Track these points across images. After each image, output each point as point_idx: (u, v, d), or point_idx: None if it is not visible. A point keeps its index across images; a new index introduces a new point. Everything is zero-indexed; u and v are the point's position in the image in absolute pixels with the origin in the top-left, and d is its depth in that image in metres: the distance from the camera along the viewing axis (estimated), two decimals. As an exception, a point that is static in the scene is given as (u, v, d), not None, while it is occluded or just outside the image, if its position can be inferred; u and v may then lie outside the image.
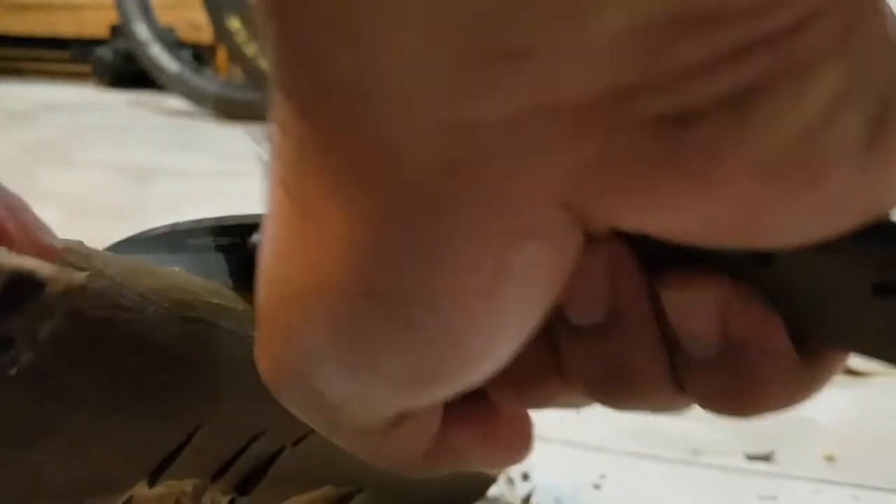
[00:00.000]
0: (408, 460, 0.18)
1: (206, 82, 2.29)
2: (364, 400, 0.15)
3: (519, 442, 0.19)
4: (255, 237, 0.25)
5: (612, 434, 0.56)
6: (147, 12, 2.38)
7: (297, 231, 0.14)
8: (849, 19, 0.12)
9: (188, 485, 0.24)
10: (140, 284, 0.22)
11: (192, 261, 0.27)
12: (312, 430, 0.24)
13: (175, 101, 2.33)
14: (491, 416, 0.18)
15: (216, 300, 0.24)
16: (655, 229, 0.14)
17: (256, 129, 2.04)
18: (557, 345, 0.17)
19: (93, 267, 0.22)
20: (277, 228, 0.14)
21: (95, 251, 0.23)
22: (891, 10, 0.14)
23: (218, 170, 1.51)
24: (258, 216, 0.27)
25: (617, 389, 0.17)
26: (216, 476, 0.25)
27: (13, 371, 0.20)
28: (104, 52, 2.80)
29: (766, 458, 0.61)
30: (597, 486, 0.56)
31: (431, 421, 0.17)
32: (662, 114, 0.12)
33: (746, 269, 0.16)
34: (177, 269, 0.25)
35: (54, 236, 0.22)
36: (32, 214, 0.22)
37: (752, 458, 0.60)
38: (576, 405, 0.19)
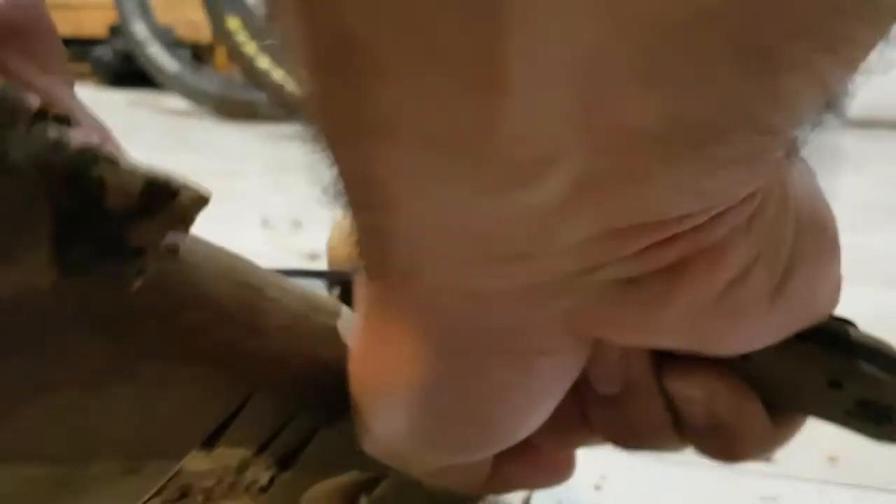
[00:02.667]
0: (467, 488, 0.23)
1: (205, 82, 2.29)
2: (432, 460, 0.21)
3: (561, 468, 0.24)
4: (334, 291, 0.30)
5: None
6: (146, 11, 2.38)
7: (372, 350, 0.19)
8: (752, 208, 0.17)
9: (235, 458, 0.25)
10: (198, 247, 0.23)
11: None
12: (344, 415, 0.24)
13: (174, 101, 2.32)
14: (536, 453, 0.24)
15: (263, 272, 0.25)
16: (632, 344, 0.19)
17: (257, 129, 2.04)
18: (586, 406, 0.22)
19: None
20: (362, 347, 0.20)
21: None
22: (798, 165, 0.18)
23: (217, 169, 1.50)
24: (328, 272, 0.31)
25: (632, 441, 0.23)
26: (261, 449, 0.25)
27: (138, 283, 0.20)
28: (103, 52, 2.80)
29: (767, 458, 0.61)
30: (597, 487, 0.56)
31: (484, 464, 0.23)
32: (616, 279, 0.17)
33: (731, 363, 0.21)
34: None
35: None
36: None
37: (753, 458, 0.60)
38: (600, 445, 0.24)
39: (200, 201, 0.21)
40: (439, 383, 0.19)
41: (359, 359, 0.20)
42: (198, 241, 0.23)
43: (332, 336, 0.25)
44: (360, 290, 0.20)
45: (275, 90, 2.01)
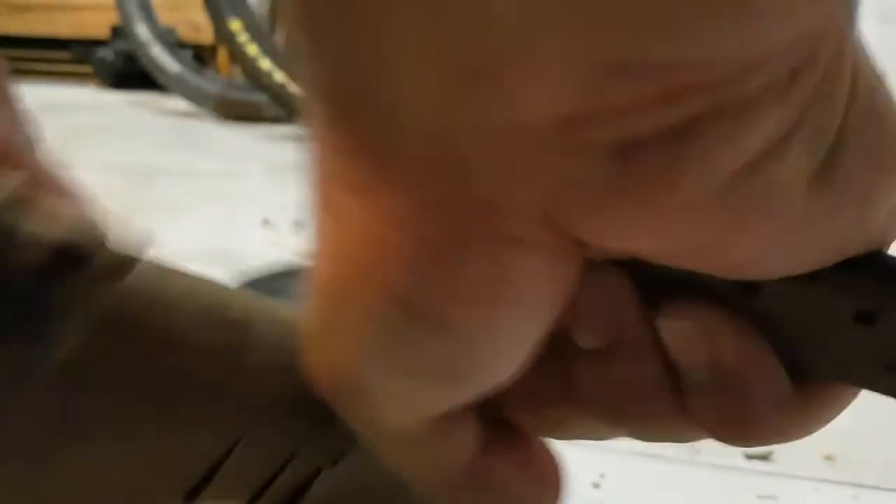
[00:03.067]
0: (448, 476, 0.19)
1: (207, 83, 2.29)
2: (400, 396, 0.17)
3: (551, 476, 0.20)
4: None
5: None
6: (148, 13, 2.38)
7: (329, 232, 0.16)
8: (795, 63, 0.13)
9: None
10: (174, 284, 0.21)
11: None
12: (348, 451, 0.23)
13: (176, 102, 2.33)
14: (524, 446, 0.20)
15: (251, 301, 0.23)
16: (630, 248, 0.15)
17: (258, 129, 2.04)
18: (568, 372, 0.18)
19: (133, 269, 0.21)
20: (316, 229, 0.16)
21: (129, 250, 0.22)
22: (859, 43, 0.14)
23: (219, 170, 1.51)
24: None
25: (623, 413, 0.18)
26: (255, 498, 0.23)
27: (66, 346, 0.18)
28: (105, 53, 2.81)
29: (765, 457, 0.61)
30: (596, 485, 0.56)
31: (467, 436, 0.19)
32: (611, 141, 0.13)
33: (736, 300, 0.17)
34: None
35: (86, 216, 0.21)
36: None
37: (751, 457, 0.61)
38: (587, 435, 0.20)
39: (123, 265, 0.19)
40: (410, 272, 0.15)
41: (316, 249, 0.16)
42: (176, 275, 0.21)
43: None
44: (316, 172, 0.16)
45: (276, 91, 2.01)
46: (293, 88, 2.02)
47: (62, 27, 2.98)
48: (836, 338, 0.16)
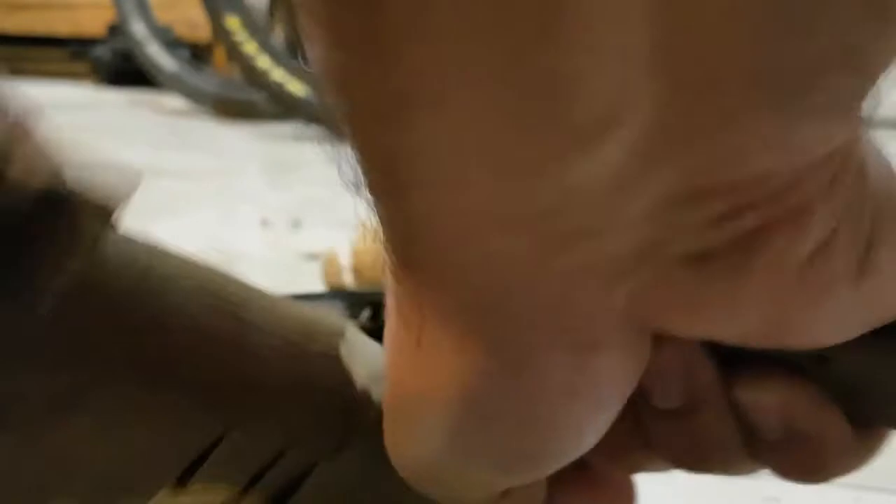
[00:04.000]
0: None
1: (205, 81, 2.29)
2: (479, 482, 0.19)
3: (624, 495, 0.22)
4: (364, 314, 0.27)
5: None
6: (145, 11, 2.38)
7: (410, 356, 0.17)
8: (834, 169, 0.15)
9: (216, 496, 0.22)
10: (168, 260, 0.21)
11: None
12: (346, 445, 0.22)
13: (173, 100, 2.32)
14: (596, 481, 0.21)
15: (247, 287, 0.23)
16: (706, 336, 0.17)
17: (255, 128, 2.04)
18: (645, 423, 0.20)
19: (119, 234, 0.20)
20: (396, 351, 0.18)
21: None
22: (872, 145, 0.17)
23: (216, 169, 1.50)
24: (364, 295, 0.28)
25: (697, 461, 0.20)
26: (248, 486, 0.23)
27: (47, 304, 0.18)
28: (102, 51, 2.80)
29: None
30: (598, 488, 0.56)
31: (538, 492, 0.20)
32: (688, 254, 0.15)
33: (806, 368, 0.19)
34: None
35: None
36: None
37: (753, 458, 0.60)
38: (660, 471, 0.22)
39: (111, 207, 0.18)
40: (487, 385, 0.16)
41: (395, 367, 0.18)
42: (170, 254, 0.21)
43: (330, 364, 0.23)
44: (391, 294, 0.17)
45: (274, 89, 2.01)
46: (291, 87, 2.02)
47: (59, 25, 2.97)
48: (891, 388, 0.19)
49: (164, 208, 1.15)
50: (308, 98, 1.96)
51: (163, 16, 2.50)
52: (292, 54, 2.24)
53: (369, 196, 0.15)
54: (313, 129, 2.21)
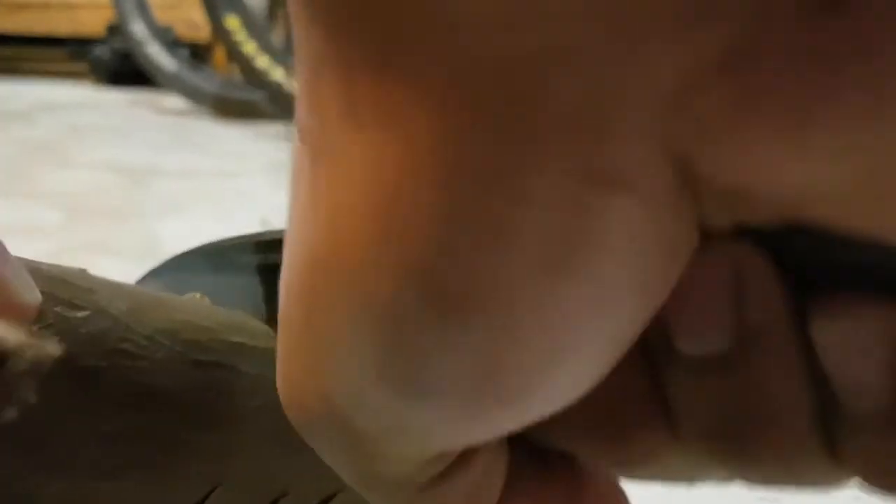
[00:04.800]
0: None
1: (204, 81, 2.28)
2: (408, 427, 0.11)
3: None
4: None
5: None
6: (144, 11, 2.38)
7: (321, 187, 0.11)
8: None
9: None
10: (149, 324, 0.20)
11: (228, 284, 0.24)
12: (339, 489, 0.21)
13: (173, 100, 2.32)
14: (571, 484, 0.14)
15: (237, 338, 0.21)
16: (773, 190, 0.10)
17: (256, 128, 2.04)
18: (663, 385, 0.12)
19: (94, 304, 0.19)
20: (298, 196, 0.11)
21: (100, 282, 0.20)
22: None
23: (216, 169, 1.50)
24: None
25: (746, 445, 0.12)
26: None
27: None
28: (101, 51, 2.80)
29: None
30: (598, 487, 0.55)
31: (488, 480, 0.13)
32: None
33: None
34: (198, 295, 0.23)
35: (31, 280, 0.19)
36: (7, 261, 0.19)
37: (754, 457, 0.60)
38: (689, 474, 0.14)
39: (48, 362, 0.18)
40: (440, 230, 0.10)
41: (295, 229, 0.11)
42: (149, 306, 0.20)
43: None
44: (312, 107, 0.11)
45: (274, 89, 2.01)
46: (291, 86, 2.02)
47: (59, 25, 2.97)
48: None
49: (164, 208, 1.15)
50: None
51: (162, 16, 2.50)
52: (291, 54, 2.24)
53: None
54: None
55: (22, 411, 0.18)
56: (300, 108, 0.11)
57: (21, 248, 0.20)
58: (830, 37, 0.09)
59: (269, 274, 0.25)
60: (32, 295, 0.19)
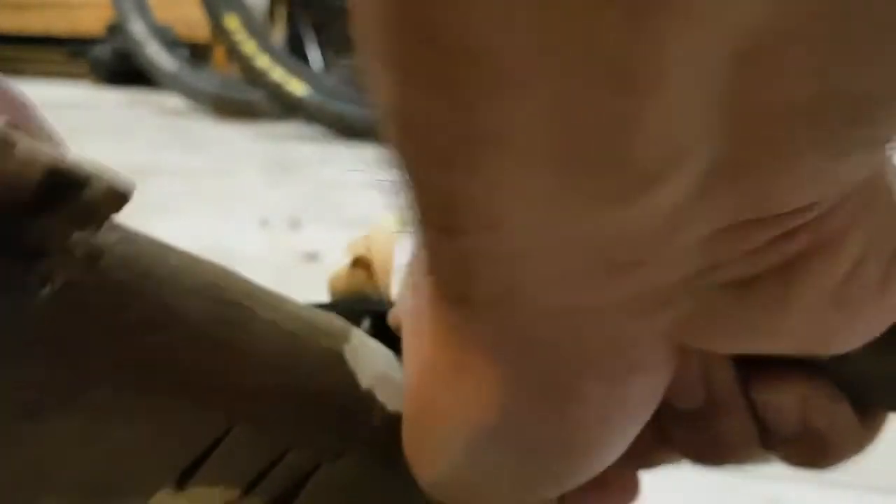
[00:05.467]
0: None
1: (204, 80, 2.28)
2: (498, 498, 0.19)
3: (629, 490, 0.22)
4: (365, 324, 0.27)
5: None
6: (143, 10, 2.38)
7: (442, 375, 0.18)
8: (868, 193, 0.16)
9: (216, 498, 0.22)
10: (170, 259, 0.20)
11: None
12: (349, 448, 0.22)
13: (172, 100, 2.32)
14: (604, 478, 0.21)
15: (253, 287, 0.22)
16: (741, 351, 0.18)
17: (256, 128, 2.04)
18: (664, 424, 0.20)
19: (125, 230, 0.20)
20: (426, 368, 0.18)
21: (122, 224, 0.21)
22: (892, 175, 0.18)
23: (215, 168, 1.50)
24: (361, 303, 0.28)
25: (716, 457, 0.21)
26: (249, 488, 0.22)
27: (45, 292, 0.17)
28: (101, 51, 2.80)
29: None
30: (598, 488, 0.55)
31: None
32: (732, 281, 0.16)
33: (824, 367, 0.20)
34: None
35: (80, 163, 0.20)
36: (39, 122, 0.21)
37: (754, 459, 0.60)
38: (677, 463, 0.22)
39: (115, 196, 0.18)
40: (527, 412, 0.17)
41: (422, 382, 0.19)
42: (171, 251, 0.21)
43: (334, 365, 0.23)
44: (421, 321, 0.18)
45: (273, 89, 2.01)
46: (290, 86, 2.02)
47: (58, 25, 2.97)
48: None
49: (163, 207, 1.15)
50: (307, 98, 1.96)
51: (162, 15, 2.50)
52: (291, 54, 2.24)
53: (421, 230, 0.15)
54: (312, 129, 2.21)
55: (68, 291, 0.18)
56: (440, 328, 0.18)
57: None
58: (740, 300, 0.17)
59: None
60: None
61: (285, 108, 2.02)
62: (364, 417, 0.23)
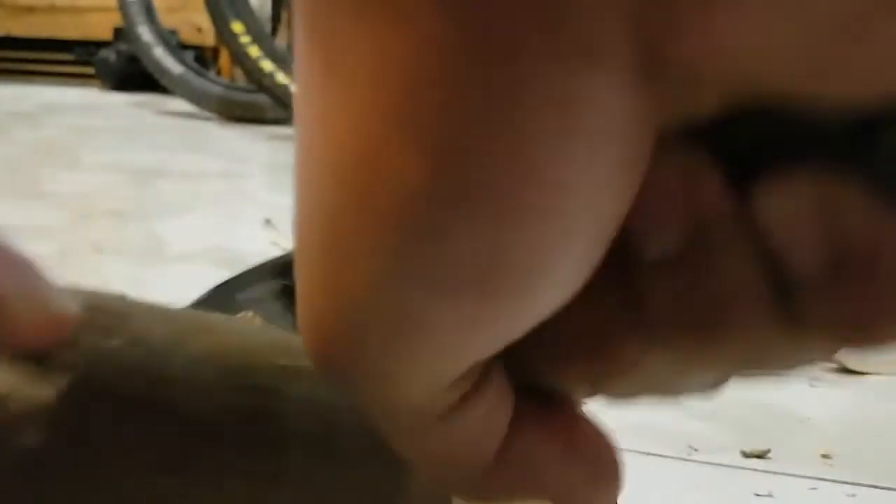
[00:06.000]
0: (475, 463, 0.15)
1: (209, 84, 2.30)
2: (425, 338, 0.13)
3: (603, 463, 0.16)
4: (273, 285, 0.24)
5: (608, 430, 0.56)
6: (150, 15, 2.39)
7: (328, 97, 0.12)
8: None
9: None
10: (189, 349, 0.19)
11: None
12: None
13: (178, 103, 2.33)
14: (570, 426, 0.16)
15: (285, 361, 0.21)
16: (733, 66, 0.11)
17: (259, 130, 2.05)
18: (636, 293, 0.14)
19: (130, 332, 0.19)
20: (304, 107, 0.13)
21: (139, 307, 0.20)
22: None
23: (221, 170, 1.51)
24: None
25: (716, 329, 0.14)
26: None
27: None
28: (108, 55, 2.81)
29: (762, 455, 0.61)
30: (594, 483, 0.56)
31: (498, 410, 0.15)
32: None
33: (850, 159, 0.13)
34: (250, 314, 0.22)
35: (69, 299, 0.19)
36: (40, 279, 0.19)
37: (748, 455, 0.61)
38: (667, 379, 0.15)
39: (42, 409, 0.18)
40: (447, 116, 0.11)
41: (303, 146, 0.13)
42: (191, 338, 0.19)
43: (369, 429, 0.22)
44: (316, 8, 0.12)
45: (278, 92, 2.02)
46: (294, 89, 2.02)
47: (66, 29, 2.98)
48: None
49: (170, 209, 1.16)
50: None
51: (168, 20, 2.51)
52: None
53: None
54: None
55: (29, 451, 0.17)
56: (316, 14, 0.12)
57: (27, 249, 0.20)
58: None
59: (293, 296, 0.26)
60: (70, 308, 0.19)
61: (289, 110, 2.02)
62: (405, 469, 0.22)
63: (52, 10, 2.99)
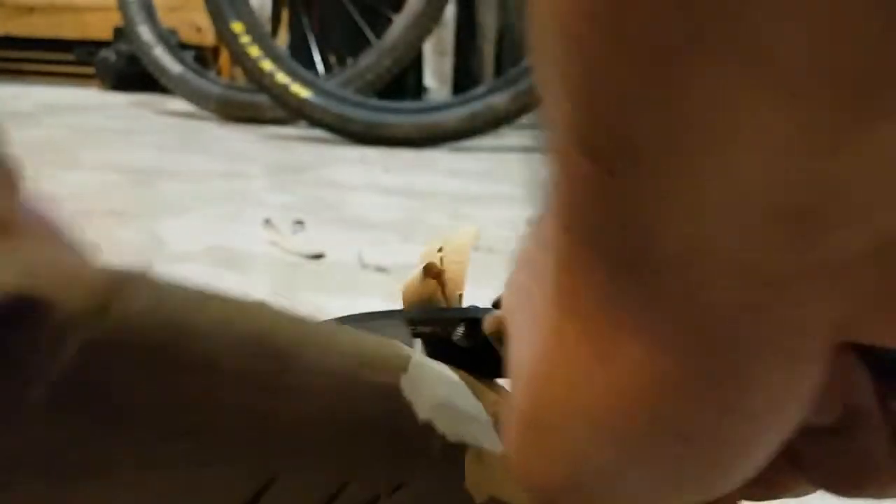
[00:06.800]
0: None
1: (209, 84, 2.30)
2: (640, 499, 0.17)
3: None
4: (458, 331, 0.26)
5: None
6: (150, 15, 2.39)
7: (584, 361, 0.16)
8: None
9: None
10: (211, 311, 0.20)
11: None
12: (410, 479, 0.22)
13: (178, 103, 2.34)
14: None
15: (299, 325, 0.21)
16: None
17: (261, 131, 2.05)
18: (796, 444, 0.18)
19: (155, 297, 0.20)
20: (557, 353, 0.16)
21: (160, 281, 0.20)
22: None
23: (220, 170, 1.51)
24: (456, 311, 0.27)
25: (850, 484, 0.19)
26: None
27: (42, 385, 0.17)
28: (108, 54, 2.82)
29: None
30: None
31: None
32: None
33: None
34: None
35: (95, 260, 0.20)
36: (74, 246, 0.21)
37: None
38: (801, 495, 0.20)
39: (95, 314, 0.18)
40: (689, 400, 0.15)
41: (549, 385, 0.16)
42: (213, 302, 0.20)
43: (389, 394, 0.22)
44: (546, 305, 0.16)
45: (278, 92, 2.02)
46: (294, 89, 2.03)
47: (66, 29, 2.99)
48: None
49: (169, 209, 1.16)
50: (310, 100, 1.98)
51: (168, 19, 2.52)
52: (294, 58, 2.26)
53: (589, 180, 0.13)
54: (315, 131, 2.20)
55: (68, 369, 0.17)
56: (574, 299, 0.16)
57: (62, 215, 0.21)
58: None
59: (430, 341, 0.27)
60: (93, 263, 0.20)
61: (289, 110, 2.03)
62: (422, 449, 0.23)
63: (52, 10, 3.00)
